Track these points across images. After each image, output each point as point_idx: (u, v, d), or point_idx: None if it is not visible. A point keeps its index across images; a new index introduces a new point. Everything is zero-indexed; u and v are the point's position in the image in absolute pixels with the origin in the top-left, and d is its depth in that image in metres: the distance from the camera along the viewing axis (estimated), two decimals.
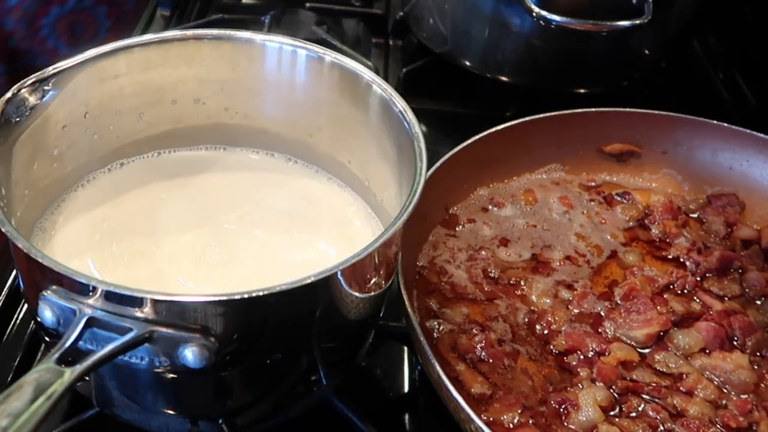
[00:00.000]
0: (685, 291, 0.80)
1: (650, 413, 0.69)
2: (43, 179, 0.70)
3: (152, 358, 0.55)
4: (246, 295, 0.53)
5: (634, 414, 0.69)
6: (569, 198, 0.90)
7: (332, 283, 0.58)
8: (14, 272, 0.81)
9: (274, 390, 0.64)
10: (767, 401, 0.70)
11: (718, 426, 0.68)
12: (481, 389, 0.69)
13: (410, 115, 0.68)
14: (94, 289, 0.53)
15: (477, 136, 0.86)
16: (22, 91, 0.65)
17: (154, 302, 0.53)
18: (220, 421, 0.63)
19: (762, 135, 0.91)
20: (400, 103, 0.69)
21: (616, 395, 0.70)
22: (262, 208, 0.75)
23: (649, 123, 0.94)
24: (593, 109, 0.93)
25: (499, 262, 0.82)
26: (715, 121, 0.93)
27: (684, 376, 0.72)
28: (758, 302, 0.80)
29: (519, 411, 0.68)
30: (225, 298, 0.53)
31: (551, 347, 0.74)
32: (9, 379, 0.72)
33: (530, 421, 0.67)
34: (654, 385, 0.71)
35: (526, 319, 0.76)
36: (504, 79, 1.09)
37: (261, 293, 0.53)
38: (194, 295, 0.54)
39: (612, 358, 0.72)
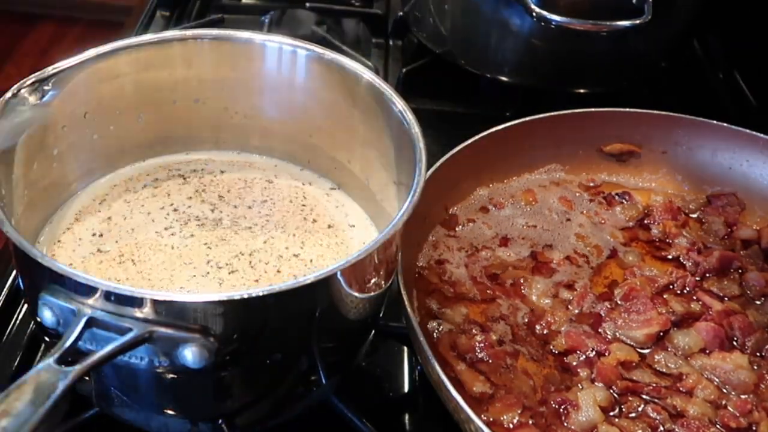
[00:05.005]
0: (685, 291, 0.80)
1: (650, 413, 0.69)
2: (42, 179, 0.70)
3: (152, 358, 0.55)
4: (246, 295, 0.53)
5: (633, 414, 0.69)
6: (569, 198, 0.90)
7: (332, 284, 0.58)
8: (14, 272, 0.81)
9: (274, 390, 0.64)
10: (767, 401, 0.70)
11: (718, 426, 0.68)
12: (481, 389, 0.69)
13: (410, 115, 0.68)
14: (94, 289, 0.53)
15: (477, 136, 0.86)
16: (22, 91, 0.65)
17: (154, 302, 0.53)
18: (220, 421, 0.63)
19: (762, 135, 0.91)
20: (399, 103, 0.69)
21: (615, 395, 0.70)
22: (262, 209, 0.75)
23: (649, 123, 0.94)
24: (593, 109, 0.93)
25: (499, 263, 0.82)
26: (715, 121, 0.93)
27: (684, 376, 0.72)
28: (758, 302, 0.80)
29: (519, 411, 0.68)
30: (225, 298, 0.53)
31: (551, 347, 0.74)
32: (9, 379, 0.72)
33: (530, 421, 0.67)
34: (654, 385, 0.71)
35: (526, 320, 0.76)
36: (504, 79, 1.08)
37: (261, 293, 0.53)
38: (194, 295, 0.54)
39: (612, 359, 0.72)
